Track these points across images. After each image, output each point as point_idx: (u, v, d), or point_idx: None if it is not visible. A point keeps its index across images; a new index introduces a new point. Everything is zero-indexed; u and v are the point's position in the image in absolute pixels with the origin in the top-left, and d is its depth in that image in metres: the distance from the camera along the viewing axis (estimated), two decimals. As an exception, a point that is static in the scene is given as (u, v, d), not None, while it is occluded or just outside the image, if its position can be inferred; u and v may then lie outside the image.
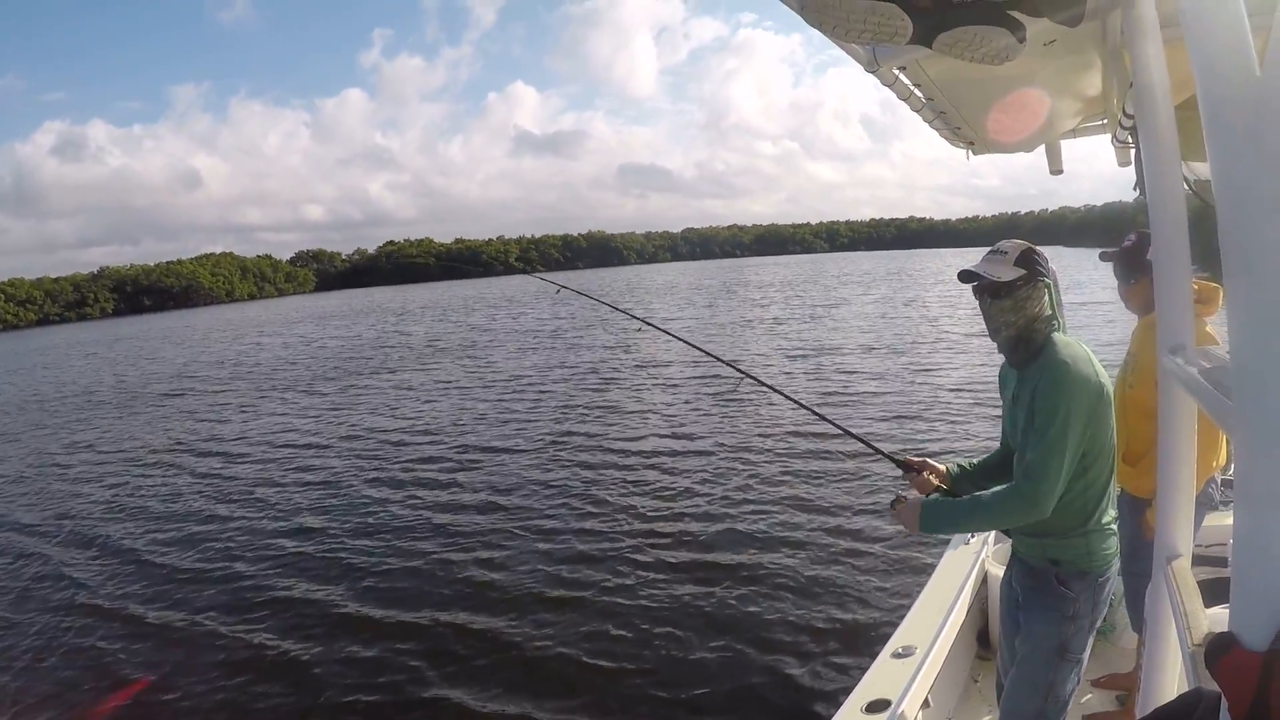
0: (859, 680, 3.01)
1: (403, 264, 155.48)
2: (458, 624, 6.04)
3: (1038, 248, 2.38)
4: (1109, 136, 3.80)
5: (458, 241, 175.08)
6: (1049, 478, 2.18)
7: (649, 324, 4.15)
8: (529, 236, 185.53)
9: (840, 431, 3.09)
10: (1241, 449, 0.79)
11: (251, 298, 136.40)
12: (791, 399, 3.44)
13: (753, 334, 25.14)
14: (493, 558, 7.24)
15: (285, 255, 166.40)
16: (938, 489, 2.60)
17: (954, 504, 2.41)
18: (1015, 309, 2.31)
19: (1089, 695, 3.40)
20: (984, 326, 2.43)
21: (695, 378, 16.15)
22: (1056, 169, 4.41)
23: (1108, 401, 2.31)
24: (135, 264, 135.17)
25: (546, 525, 7.99)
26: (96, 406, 20.24)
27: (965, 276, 2.40)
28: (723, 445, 10.67)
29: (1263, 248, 0.74)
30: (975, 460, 2.76)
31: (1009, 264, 2.32)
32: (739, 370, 3.44)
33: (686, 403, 13.97)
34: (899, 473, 2.69)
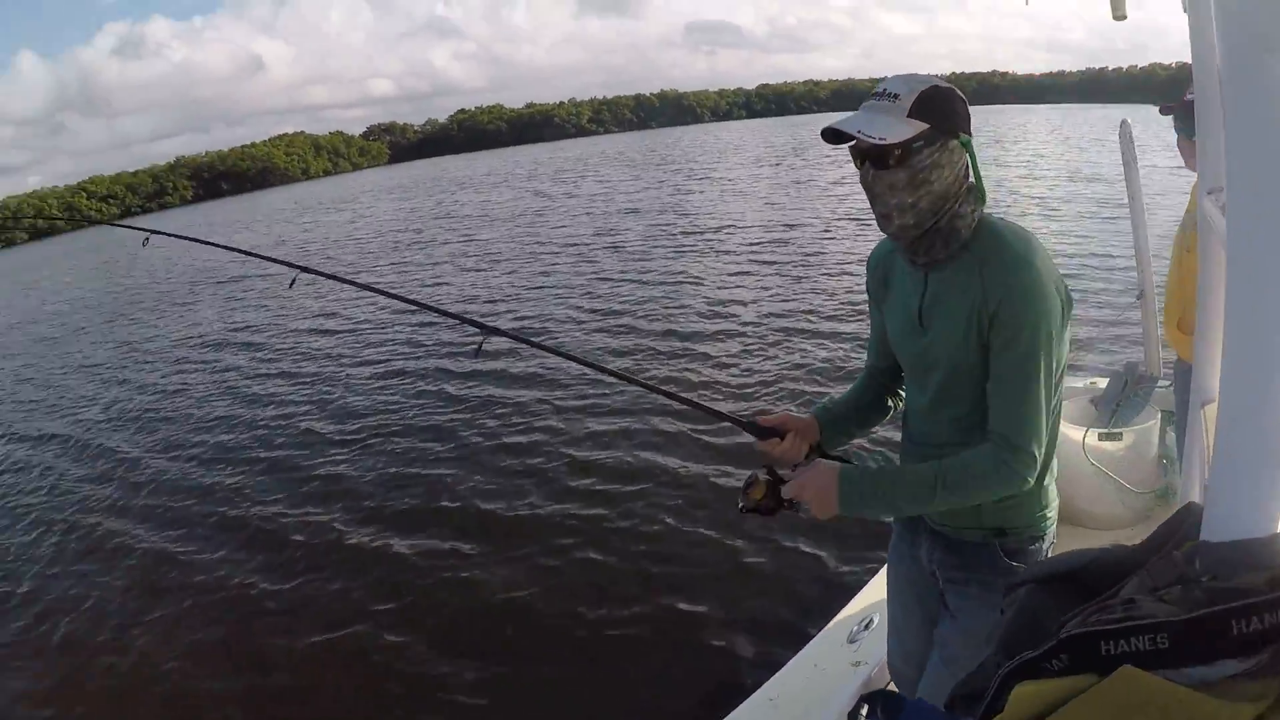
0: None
1: (475, 131, 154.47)
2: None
3: (949, 86, 1.55)
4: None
5: (529, 106, 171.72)
6: (1038, 438, 1.53)
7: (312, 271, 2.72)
8: (600, 98, 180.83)
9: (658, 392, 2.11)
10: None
11: (326, 174, 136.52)
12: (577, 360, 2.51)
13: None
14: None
15: (357, 130, 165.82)
16: (815, 452, 1.84)
17: (888, 475, 1.67)
18: (913, 183, 1.52)
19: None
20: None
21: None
22: (1120, 13, 3.55)
23: (1071, 302, 1.57)
24: (210, 150, 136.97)
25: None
26: (165, 295, 20.56)
27: (831, 136, 1.58)
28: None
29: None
30: (838, 398, 1.98)
31: (901, 115, 1.50)
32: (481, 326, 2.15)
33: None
34: (749, 440, 1.87)
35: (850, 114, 1.58)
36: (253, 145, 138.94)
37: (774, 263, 13.07)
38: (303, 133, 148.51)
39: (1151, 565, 0.90)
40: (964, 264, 1.57)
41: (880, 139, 1.48)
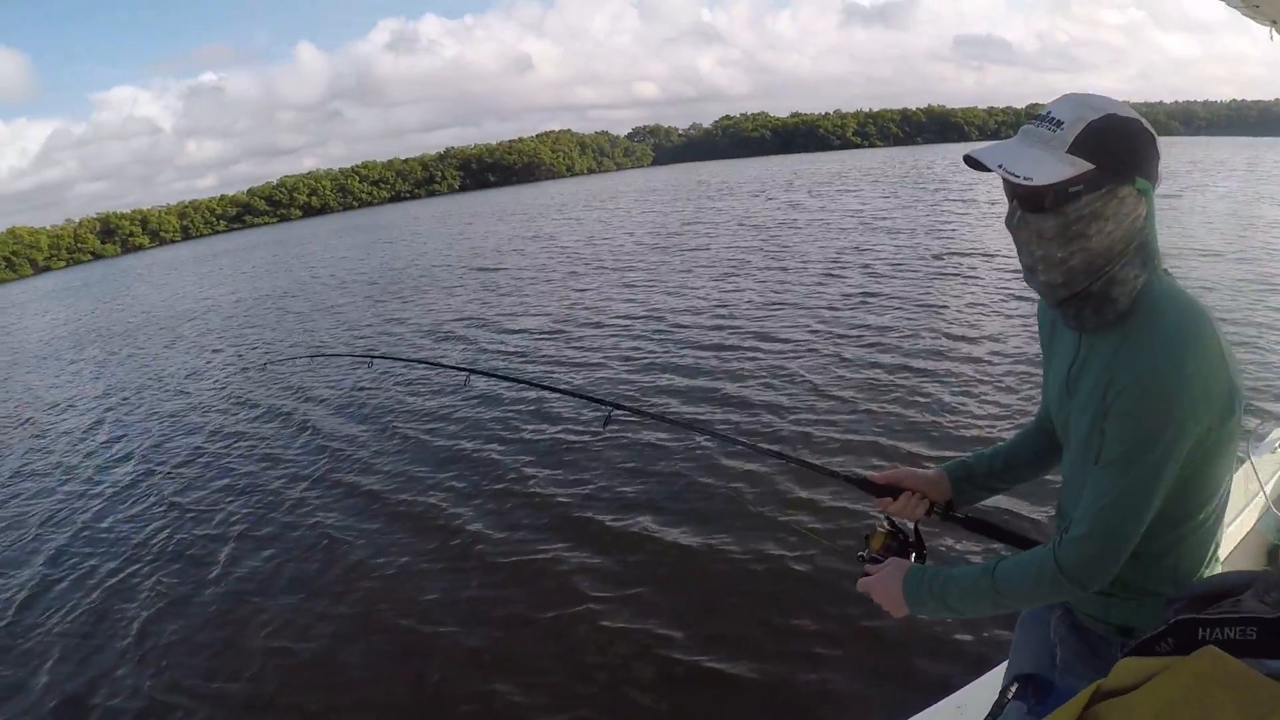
0: None
1: (738, 138, 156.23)
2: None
3: (1132, 116, 1.25)
4: None
5: (793, 116, 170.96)
6: (1117, 537, 1.30)
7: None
8: (865, 111, 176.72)
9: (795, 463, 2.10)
10: None
11: (590, 172, 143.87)
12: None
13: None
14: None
15: (622, 131, 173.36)
16: (934, 511, 1.74)
17: (945, 577, 1.49)
18: (1066, 235, 1.26)
19: None
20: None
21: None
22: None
23: (1239, 404, 1.27)
24: (479, 144, 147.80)
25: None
26: (423, 278, 22.84)
27: (973, 163, 1.32)
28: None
29: None
30: (987, 451, 1.80)
31: (1060, 149, 1.23)
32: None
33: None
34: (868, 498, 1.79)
35: (1001, 141, 1.33)
36: (520, 140, 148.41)
37: (1028, 298, 12.18)
38: (569, 131, 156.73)
39: (1267, 577, 1.01)
40: (1120, 338, 1.32)
41: (1026, 179, 1.23)
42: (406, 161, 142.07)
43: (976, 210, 23.78)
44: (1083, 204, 1.24)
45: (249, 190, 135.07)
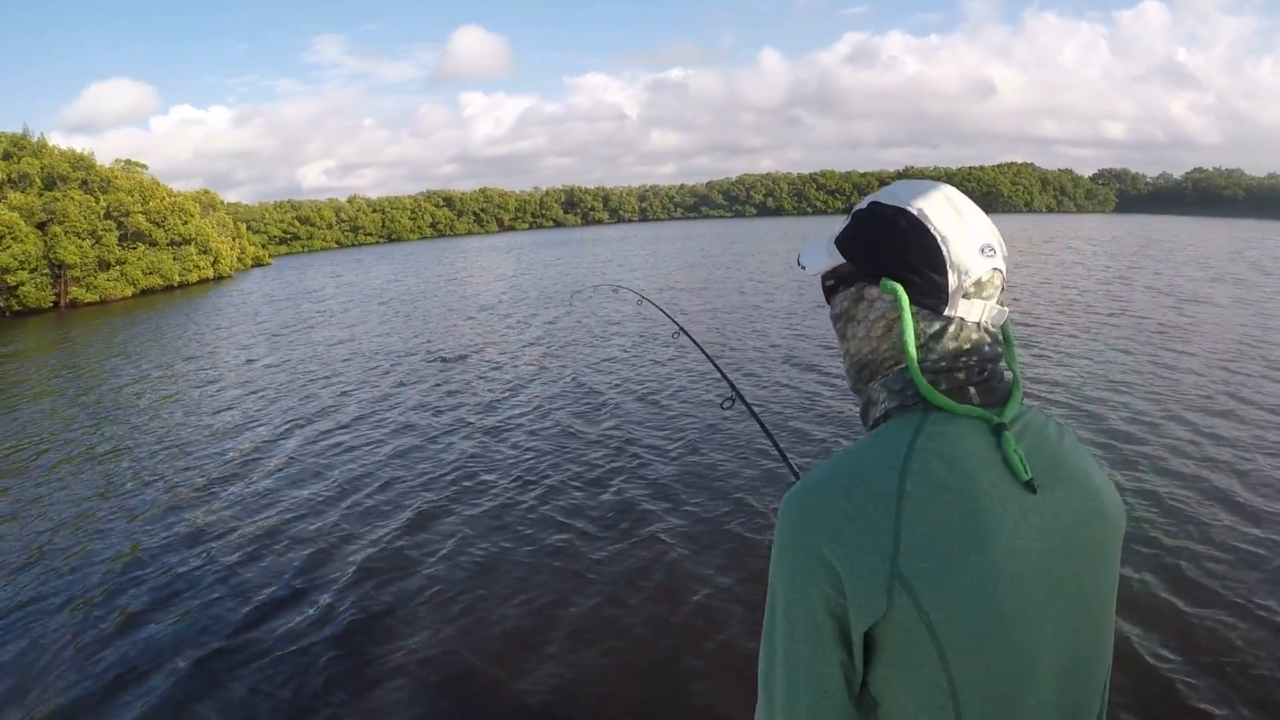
0: None
1: (1208, 194, 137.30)
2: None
3: (901, 205, 1.04)
4: None
5: (1270, 176, 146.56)
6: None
7: None
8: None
9: None
10: None
11: (1049, 210, 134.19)
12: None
13: None
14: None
15: (1086, 171, 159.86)
16: None
17: None
18: (837, 332, 1.16)
19: None
20: None
21: None
22: None
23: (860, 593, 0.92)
24: (938, 166, 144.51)
25: None
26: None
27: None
28: None
29: None
30: None
31: (832, 239, 1.14)
32: None
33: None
34: None
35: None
36: (980, 168, 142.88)
37: None
38: (1031, 165, 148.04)
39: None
40: None
41: (801, 265, 1.18)
42: (864, 175, 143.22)
43: None
44: (837, 301, 1.13)
45: (708, 183, 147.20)
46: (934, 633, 0.90)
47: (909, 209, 1.03)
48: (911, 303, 1.03)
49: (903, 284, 1.02)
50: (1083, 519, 1.00)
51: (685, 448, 8.23)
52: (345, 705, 4.26)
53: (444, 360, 14.40)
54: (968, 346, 1.03)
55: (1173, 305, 17.91)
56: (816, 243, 1.16)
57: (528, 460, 8.14)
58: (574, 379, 12.13)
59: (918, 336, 1.03)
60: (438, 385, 12.32)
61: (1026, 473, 0.96)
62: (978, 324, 1.04)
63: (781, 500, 1.02)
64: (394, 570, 5.82)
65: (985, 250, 1.02)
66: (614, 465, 7.81)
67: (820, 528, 0.94)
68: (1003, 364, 1.07)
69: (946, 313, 1.02)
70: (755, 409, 2.99)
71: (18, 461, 9.53)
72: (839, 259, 1.11)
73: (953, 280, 1.01)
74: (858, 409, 1.26)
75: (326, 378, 13.55)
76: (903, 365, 1.05)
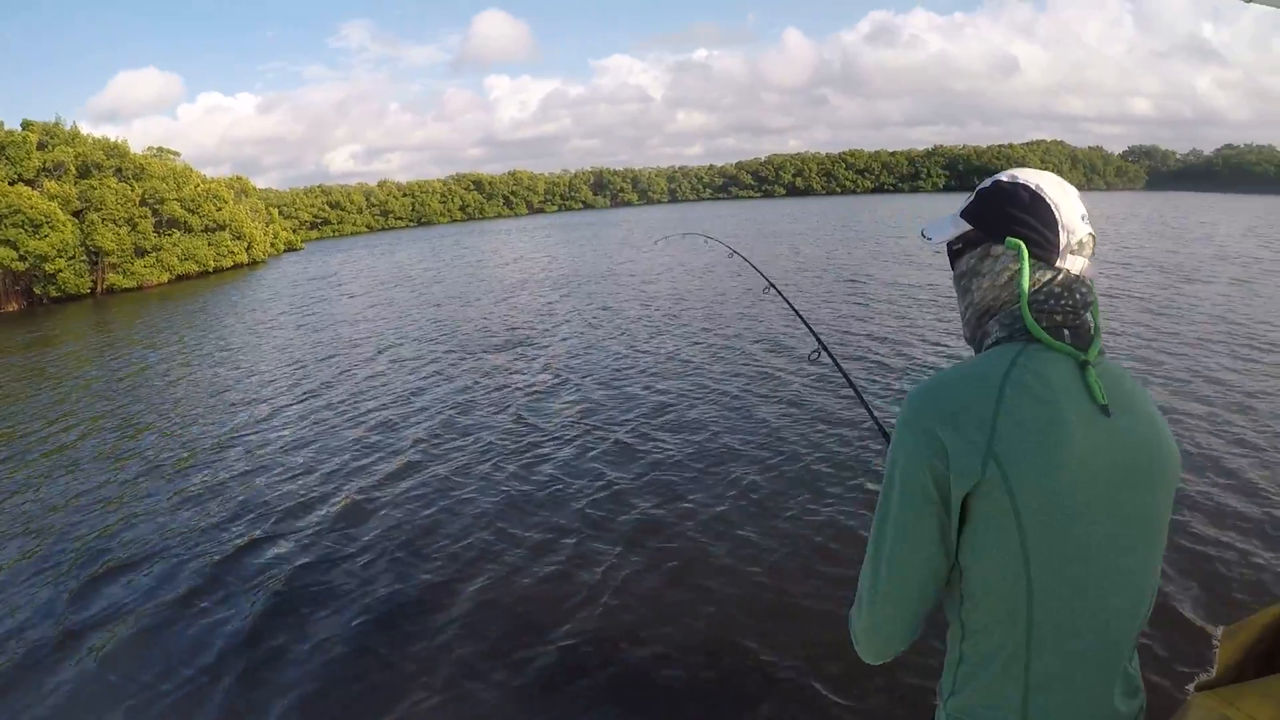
0: None
1: (1241, 170, 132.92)
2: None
3: (1021, 181, 1.30)
4: None
5: None
6: (867, 601, 1.28)
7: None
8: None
9: None
10: None
11: (1080, 188, 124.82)
12: None
13: None
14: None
15: (1115, 148, 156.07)
16: None
17: None
18: (960, 289, 1.42)
19: None
20: None
21: None
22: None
23: (973, 465, 1.14)
24: (966, 145, 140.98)
25: None
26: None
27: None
28: None
29: None
30: None
31: (957, 213, 1.40)
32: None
33: None
34: None
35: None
36: (1009, 146, 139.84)
37: None
38: (1060, 141, 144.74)
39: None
40: None
41: (927, 238, 1.43)
42: (893, 154, 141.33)
43: None
44: (963, 261, 1.38)
45: (737, 163, 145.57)
46: (1015, 506, 1.13)
47: (1029, 184, 1.29)
48: (1030, 256, 1.27)
49: (1023, 240, 1.27)
50: (1145, 446, 1.22)
51: (776, 397, 9.29)
52: (404, 667, 4.43)
53: (588, 324, 15.80)
54: (1068, 293, 1.26)
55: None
56: (941, 218, 1.41)
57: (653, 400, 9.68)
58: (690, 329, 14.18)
59: (1032, 283, 1.27)
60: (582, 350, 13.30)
61: (1103, 398, 1.19)
62: (1078, 276, 1.28)
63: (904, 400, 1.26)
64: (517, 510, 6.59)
65: (1084, 218, 1.29)
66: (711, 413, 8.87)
67: (936, 413, 1.19)
68: (1088, 314, 1.27)
69: (1057, 264, 1.27)
70: (840, 363, 3.29)
71: (63, 442, 9.82)
72: (963, 228, 1.37)
73: (1063, 238, 1.27)
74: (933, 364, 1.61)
75: (456, 350, 14.07)
76: (1016, 306, 1.28)
